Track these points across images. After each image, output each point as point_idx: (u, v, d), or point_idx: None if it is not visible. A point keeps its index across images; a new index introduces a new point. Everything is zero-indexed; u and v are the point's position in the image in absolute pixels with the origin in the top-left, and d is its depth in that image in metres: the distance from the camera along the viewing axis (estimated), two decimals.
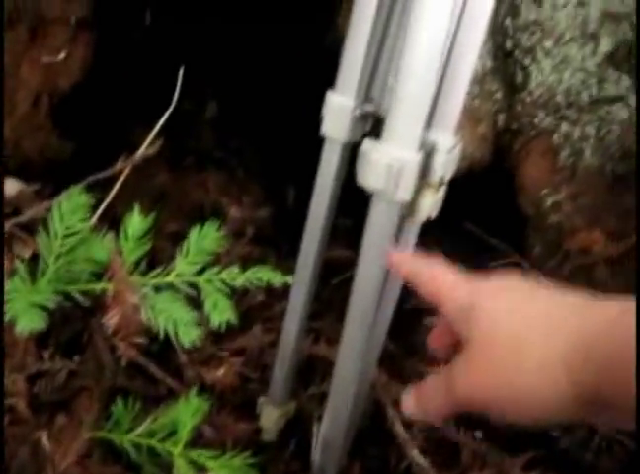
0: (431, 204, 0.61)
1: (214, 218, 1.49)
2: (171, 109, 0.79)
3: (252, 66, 1.19)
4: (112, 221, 0.78)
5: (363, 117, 0.64)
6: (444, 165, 0.60)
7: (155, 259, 0.97)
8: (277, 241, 1.31)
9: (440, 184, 0.61)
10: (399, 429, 0.90)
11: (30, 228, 1.00)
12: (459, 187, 0.70)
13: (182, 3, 1.01)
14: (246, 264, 0.78)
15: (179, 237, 1.26)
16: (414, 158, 0.55)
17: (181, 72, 0.78)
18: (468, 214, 0.89)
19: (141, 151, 0.79)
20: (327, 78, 0.64)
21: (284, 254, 1.27)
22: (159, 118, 0.91)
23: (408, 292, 0.63)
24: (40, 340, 0.77)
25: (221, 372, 0.88)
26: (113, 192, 0.79)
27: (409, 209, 0.61)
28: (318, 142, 1.20)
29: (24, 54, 0.83)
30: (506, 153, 0.85)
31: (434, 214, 0.64)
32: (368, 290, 0.62)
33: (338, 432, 0.74)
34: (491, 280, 0.50)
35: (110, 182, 0.82)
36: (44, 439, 0.71)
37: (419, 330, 1.02)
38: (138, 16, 0.98)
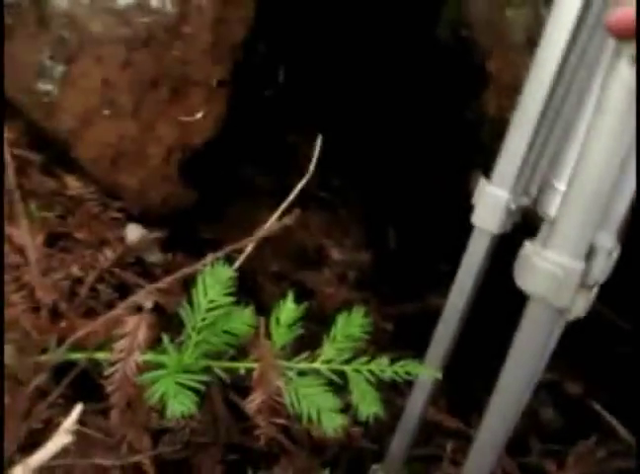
0: (584, 305, 0.60)
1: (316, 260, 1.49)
2: (306, 179, 0.80)
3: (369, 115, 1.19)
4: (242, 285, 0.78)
5: (517, 212, 0.63)
6: (603, 268, 0.58)
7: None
8: (377, 285, 1.31)
9: (596, 284, 0.60)
10: None
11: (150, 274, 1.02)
12: None
13: (315, 63, 1.02)
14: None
15: (281, 277, 1.28)
16: (579, 266, 0.54)
17: (318, 141, 0.78)
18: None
19: (268, 225, 0.79)
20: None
21: (384, 299, 1.27)
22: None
23: None
24: None
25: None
26: (240, 261, 0.80)
27: (563, 310, 0.60)
28: (421, 186, 1.19)
29: (162, 113, 0.85)
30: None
31: (584, 313, 0.62)
32: (513, 390, 0.61)
33: None
34: None
35: None
36: None
37: None
38: (273, 74, 0.99)
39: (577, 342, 0.93)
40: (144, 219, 1.01)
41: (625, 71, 0.48)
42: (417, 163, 1.20)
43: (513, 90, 0.63)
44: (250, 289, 0.98)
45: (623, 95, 0.48)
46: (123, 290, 0.91)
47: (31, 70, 0.84)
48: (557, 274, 0.54)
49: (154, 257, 1.04)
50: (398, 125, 1.12)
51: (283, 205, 0.80)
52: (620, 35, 0.48)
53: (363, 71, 1.06)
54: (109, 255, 0.91)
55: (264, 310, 0.69)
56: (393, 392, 0.88)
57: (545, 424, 1.05)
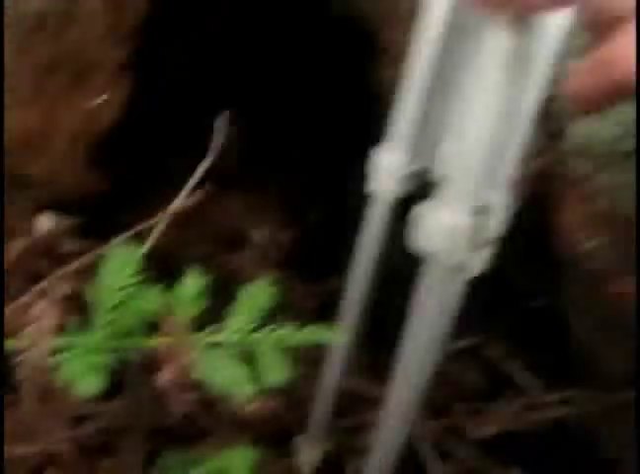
0: (480, 263, 0.62)
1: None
2: (210, 159, 0.80)
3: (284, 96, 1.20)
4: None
5: (411, 175, 0.65)
6: (498, 225, 0.61)
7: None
8: (299, 264, 1.33)
9: (492, 241, 0.62)
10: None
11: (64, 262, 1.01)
12: None
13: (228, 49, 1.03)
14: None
15: (203, 260, 1.28)
16: (470, 222, 0.56)
17: (224, 118, 0.79)
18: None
19: (180, 201, 0.80)
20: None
21: (307, 277, 1.29)
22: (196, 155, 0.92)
23: None
24: None
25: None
26: (151, 240, 0.80)
27: (458, 268, 0.62)
28: (331, 162, 1.21)
29: (63, 100, 0.84)
30: (542, 198, 0.86)
31: (481, 269, 0.64)
32: (417, 350, 0.63)
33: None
34: None
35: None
36: None
37: None
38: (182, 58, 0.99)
39: (495, 304, 0.98)
40: (58, 207, 1.00)
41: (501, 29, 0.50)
42: (326, 140, 1.22)
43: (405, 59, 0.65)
44: (172, 273, 0.98)
45: (499, 51, 0.50)
46: (37, 281, 0.91)
47: None
48: (449, 231, 0.56)
49: (69, 245, 1.03)
50: (303, 103, 1.13)
51: (191, 183, 0.80)
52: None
53: (265, 51, 1.07)
54: (19, 244, 0.90)
55: None
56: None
57: (469, 387, 1.08)
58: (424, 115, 0.62)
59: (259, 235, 1.44)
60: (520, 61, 0.51)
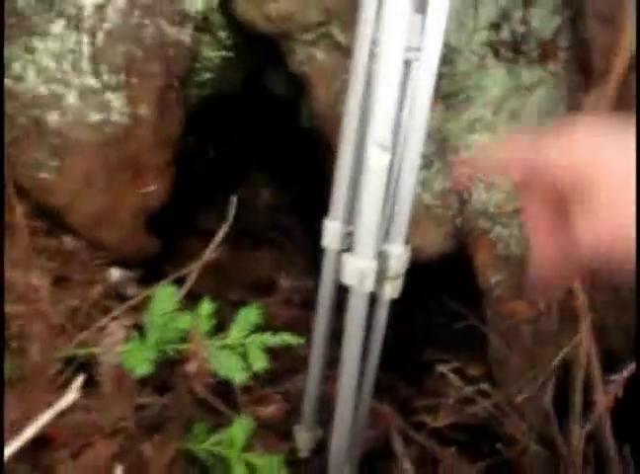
0: (392, 290, 0.96)
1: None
2: (228, 223, 1.16)
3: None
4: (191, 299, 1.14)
5: (348, 234, 1.00)
6: (396, 266, 0.94)
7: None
8: None
9: (397, 277, 0.96)
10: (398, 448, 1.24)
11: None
12: (435, 269, 1.04)
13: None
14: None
15: (238, 303, 1.64)
16: (372, 265, 0.90)
17: (234, 200, 1.15)
18: (443, 288, 1.23)
19: (206, 256, 1.16)
20: None
21: None
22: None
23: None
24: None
25: (269, 408, 1.24)
26: (189, 283, 1.17)
27: (376, 296, 0.96)
28: None
29: (128, 188, 1.22)
30: (464, 245, 1.19)
31: (396, 296, 0.98)
32: (354, 352, 0.97)
33: (342, 444, 1.08)
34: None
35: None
36: (147, 449, 1.07)
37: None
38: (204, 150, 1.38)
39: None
40: (124, 263, 1.38)
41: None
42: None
43: None
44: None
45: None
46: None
47: (33, 165, 1.21)
48: (360, 270, 0.90)
49: (132, 290, 1.41)
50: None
51: (216, 240, 1.16)
52: None
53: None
54: (97, 290, 1.28)
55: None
56: None
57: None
58: (349, 194, 0.97)
59: (287, 282, 1.79)
60: None
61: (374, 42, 0.86)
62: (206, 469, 1.08)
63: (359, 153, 0.93)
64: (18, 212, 1.23)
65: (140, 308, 1.18)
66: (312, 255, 1.82)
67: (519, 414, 1.08)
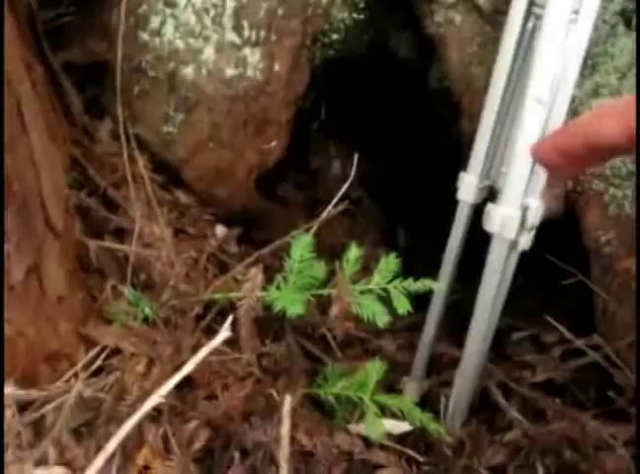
0: (526, 241, 1.02)
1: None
2: (342, 190, 1.21)
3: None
4: None
5: (484, 188, 1.05)
6: (533, 218, 1.00)
7: None
8: None
9: (532, 228, 1.01)
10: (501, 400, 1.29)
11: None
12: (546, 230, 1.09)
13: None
14: None
15: None
16: (516, 214, 0.96)
17: (355, 159, 1.21)
18: (550, 248, 1.28)
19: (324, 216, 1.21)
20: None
21: None
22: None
23: None
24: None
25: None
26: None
27: (513, 245, 1.01)
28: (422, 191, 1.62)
29: (249, 143, 1.27)
30: (574, 206, 1.24)
31: (527, 247, 1.03)
32: (488, 303, 1.02)
33: (465, 390, 1.14)
34: None
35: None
36: (274, 393, 1.12)
37: None
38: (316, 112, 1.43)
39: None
40: (226, 221, 1.44)
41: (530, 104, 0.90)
42: (417, 174, 1.64)
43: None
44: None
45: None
46: (223, 267, 1.34)
47: (159, 118, 1.25)
48: (504, 219, 0.96)
49: (234, 248, 1.46)
50: (408, 150, 1.56)
51: (323, 215, 1.20)
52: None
53: (376, 113, 1.51)
54: (212, 243, 1.34)
55: None
56: None
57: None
58: (492, 149, 1.03)
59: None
60: None
61: (532, 3, 0.91)
62: (332, 412, 1.13)
63: (504, 110, 0.99)
64: (141, 165, 1.28)
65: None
66: (382, 226, 1.90)
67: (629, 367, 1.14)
